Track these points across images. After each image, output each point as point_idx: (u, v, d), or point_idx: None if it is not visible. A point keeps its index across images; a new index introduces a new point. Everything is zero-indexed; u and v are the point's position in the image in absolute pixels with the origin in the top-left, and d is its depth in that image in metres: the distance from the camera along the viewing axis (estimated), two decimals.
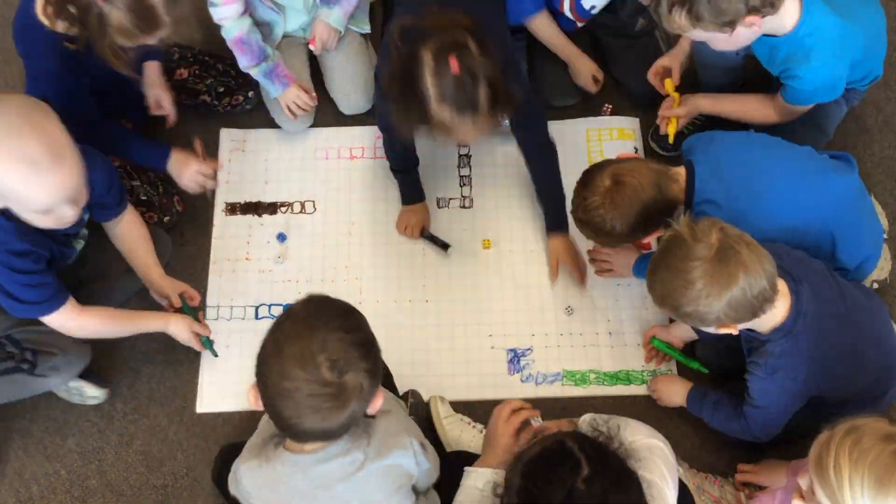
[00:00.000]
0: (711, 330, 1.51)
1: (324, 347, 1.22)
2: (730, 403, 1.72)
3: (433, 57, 1.62)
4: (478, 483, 1.48)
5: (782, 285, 1.50)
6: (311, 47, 2.21)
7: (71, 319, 1.70)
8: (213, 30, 2.12)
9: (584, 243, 2.05)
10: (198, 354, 1.99)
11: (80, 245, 1.79)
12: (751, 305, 1.43)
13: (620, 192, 1.68)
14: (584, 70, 2.26)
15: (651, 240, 1.84)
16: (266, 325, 2.05)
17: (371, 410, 1.31)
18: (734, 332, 1.51)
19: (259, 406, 1.30)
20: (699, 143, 1.82)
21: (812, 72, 1.79)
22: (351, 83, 2.24)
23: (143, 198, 2.04)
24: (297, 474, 1.34)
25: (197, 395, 1.96)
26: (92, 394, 1.91)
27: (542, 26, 2.22)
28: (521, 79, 1.98)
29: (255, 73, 2.10)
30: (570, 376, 1.97)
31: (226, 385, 1.96)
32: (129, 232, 1.87)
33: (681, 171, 1.76)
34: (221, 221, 2.16)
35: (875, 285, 1.98)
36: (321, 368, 1.20)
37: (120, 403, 1.95)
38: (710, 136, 1.84)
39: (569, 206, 1.84)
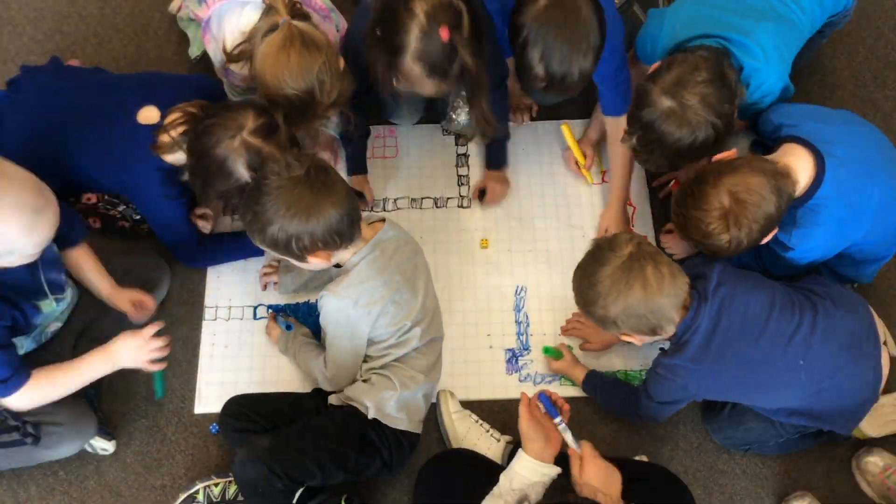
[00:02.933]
0: (616, 334, 1.62)
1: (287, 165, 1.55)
2: (623, 388, 1.85)
3: (426, 16, 1.61)
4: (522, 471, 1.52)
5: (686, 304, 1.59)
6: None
7: (25, 398, 1.62)
8: None
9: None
10: (195, 355, 1.99)
11: (50, 307, 1.72)
12: (647, 319, 1.54)
13: (742, 211, 1.57)
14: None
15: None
16: (264, 325, 2.08)
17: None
18: (637, 343, 1.63)
19: (330, 257, 1.61)
20: (804, 121, 1.71)
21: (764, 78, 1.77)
22: None
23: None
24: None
25: (195, 396, 1.95)
26: (102, 447, 1.88)
27: None
28: (498, 69, 1.99)
29: None
30: (567, 376, 1.97)
31: (224, 386, 1.95)
32: (81, 257, 1.83)
33: (790, 161, 1.63)
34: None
35: None
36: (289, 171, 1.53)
37: (118, 404, 1.95)
38: (808, 112, 1.77)
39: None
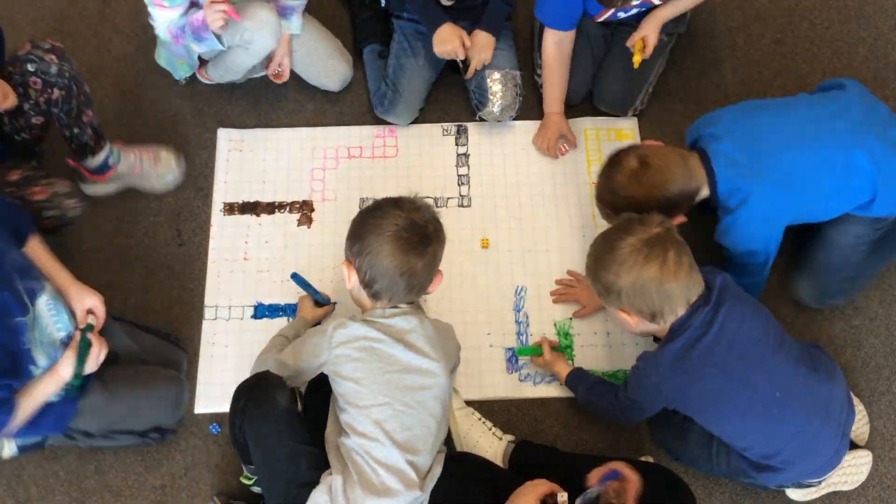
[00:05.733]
0: (613, 311, 1.62)
1: (415, 205, 1.56)
2: (607, 385, 1.84)
3: None
4: None
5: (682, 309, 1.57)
6: (273, 78, 2.24)
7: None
8: None
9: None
10: (195, 355, 1.99)
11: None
12: (652, 301, 1.53)
13: (647, 174, 1.70)
14: (553, 128, 2.21)
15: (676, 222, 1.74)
16: (264, 325, 2.08)
17: (432, 287, 1.61)
18: (632, 324, 1.60)
19: (352, 280, 1.57)
20: (703, 125, 1.84)
21: None
22: (327, 56, 2.27)
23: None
24: (372, 326, 1.57)
25: (195, 396, 1.95)
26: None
27: (553, 50, 2.15)
28: None
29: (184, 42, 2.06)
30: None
31: (224, 386, 1.95)
32: (36, 252, 1.71)
33: (696, 162, 1.77)
34: (219, 221, 2.16)
35: None
36: (411, 211, 1.53)
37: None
38: (711, 119, 1.85)
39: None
